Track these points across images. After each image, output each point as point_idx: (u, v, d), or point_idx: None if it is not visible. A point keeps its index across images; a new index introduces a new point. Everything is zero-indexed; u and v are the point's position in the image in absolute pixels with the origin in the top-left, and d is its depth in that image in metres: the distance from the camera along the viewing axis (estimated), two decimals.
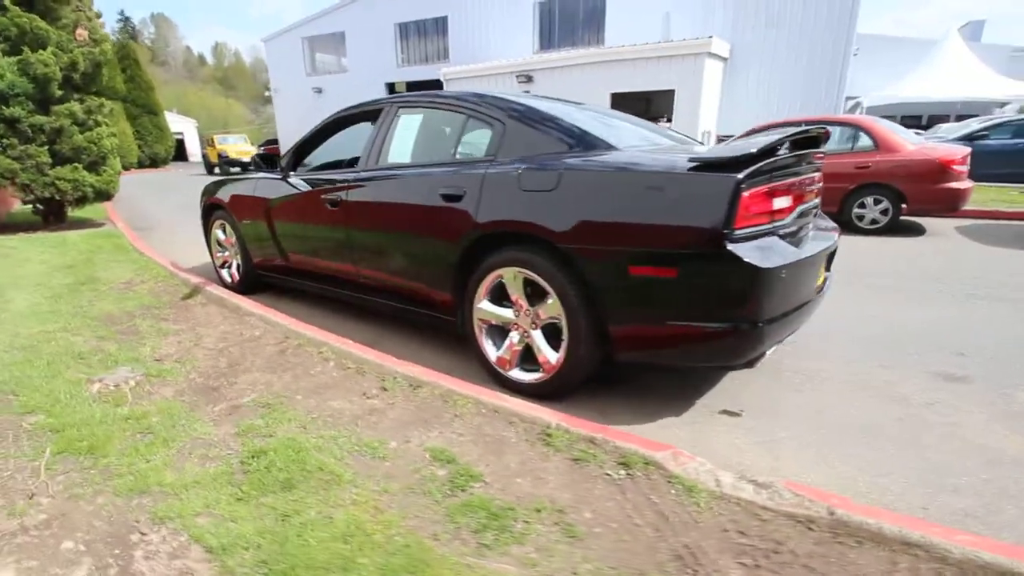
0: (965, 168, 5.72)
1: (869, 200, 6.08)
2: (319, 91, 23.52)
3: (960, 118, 18.56)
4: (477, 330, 2.53)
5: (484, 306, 2.47)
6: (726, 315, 1.88)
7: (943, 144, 6.78)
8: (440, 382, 2.32)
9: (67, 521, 1.54)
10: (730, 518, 1.53)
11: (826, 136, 2.35)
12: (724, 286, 1.85)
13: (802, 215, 2.21)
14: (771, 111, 14.24)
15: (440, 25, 20.19)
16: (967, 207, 6.25)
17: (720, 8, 15.44)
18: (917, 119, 21.78)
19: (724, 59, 14.60)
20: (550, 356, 2.28)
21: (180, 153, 33.99)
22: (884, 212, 6.05)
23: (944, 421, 2.17)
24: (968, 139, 9.72)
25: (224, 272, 4.34)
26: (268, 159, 3.52)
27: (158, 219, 8.76)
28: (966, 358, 2.75)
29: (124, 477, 1.75)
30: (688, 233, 1.84)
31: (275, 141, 25.43)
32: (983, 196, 7.95)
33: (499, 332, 2.52)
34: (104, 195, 7.21)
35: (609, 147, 2.23)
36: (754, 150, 1.80)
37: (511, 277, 2.32)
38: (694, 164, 1.87)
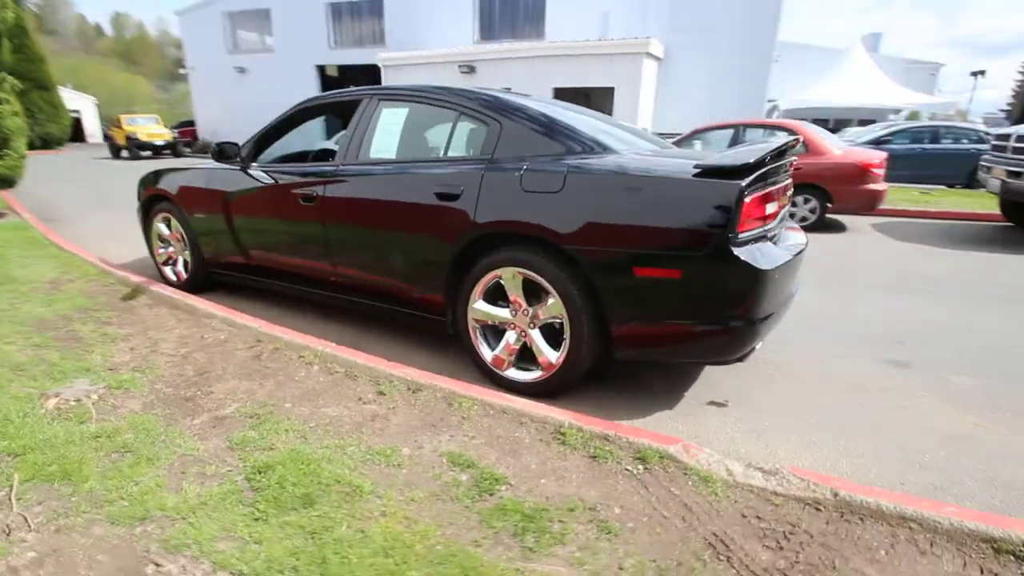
0: (883, 171, 6.34)
1: (800, 199, 6.60)
2: (242, 71, 22.03)
3: (862, 123, 20.49)
4: (471, 331, 2.51)
5: (479, 306, 2.46)
6: (726, 314, 1.99)
7: (863, 148, 7.47)
8: (440, 384, 2.29)
9: (63, 558, 1.38)
10: (746, 505, 1.64)
11: (795, 144, 2.54)
12: (726, 286, 1.96)
13: (781, 219, 2.38)
14: (701, 111, 14.99)
15: (375, 7, 19.49)
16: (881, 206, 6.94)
17: (655, 10, 16.01)
18: (825, 123, 23.79)
19: (659, 59, 15.19)
20: (550, 355, 2.31)
21: (77, 134, 30.65)
22: (812, 211, 6.59)
23: (898, 405, 2.43)
24: (875, 143, 10.76)
25: (168, 270, 4.00)
26: (224, 149, 3.26)
27: (63, 209, 7.87)
28: (905, 346, 3.08)
29: (116, 503, 1.59)
30: (695, 236, 1.93)
31: (191, 123, 23.61)
32: (891, 196, 8.85)
33: (493, 332, 2.52)
34: (7, 182, 6.39)
35: (605, 150, 2.28)
36: (752, 159, 1.92)
37: (510, 277, 2.33)
38: (699, 170, 1.96)
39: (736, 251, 1.89)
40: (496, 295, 2.44)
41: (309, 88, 21.17)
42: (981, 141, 10.23)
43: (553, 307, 2.24)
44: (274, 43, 21.51)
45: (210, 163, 3.64)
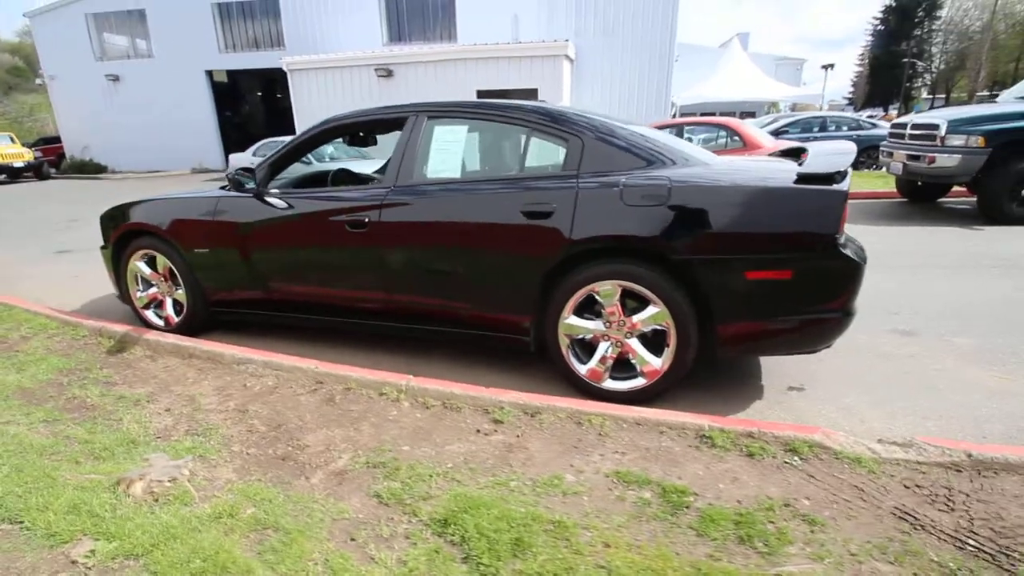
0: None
1: None
2: (115, 79, 19.61)
3: (743, 115, 22.71)
4: (563, 346, 2.51)
5: (571, 321, 2.46)
6: (828, 306, 2.18)
7: (788, 141, 8.31)
8: (557, 404, 2.26)
9: None
10: (902, 477, 1.82)
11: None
12: (833, 282, 2.14)
13: None
14: (613, 111, 15.81)
15: (270, 7, 18.24)
16: None
17: (563, 14, 16.56)
18: (713, 115, 26.11)
19: (572, 61, 15.74)
20: (654, 362, 2.37)
21: None
22: None
23: (933, 368, 2.79)
24: (775, 134, 12.00)
25: (151, 313, 3.52)
26: (242, 180, 2.93)
27: None
28: (899, 316, 3.52)
29: None
30: (807, 239, 2.09)
31: (56, 139, 20.65)
32: None
33: (582, 345, 2.53)
34: None
35: (685, 161, 2.38)
36: (844, 166, 2.12)
37: (608, 290, 2.35)
38: (801, 179, 2.12)
39: (843, 249, 2.08)
40: (583, 308, 2.46)
41: (198, 96, 19.37)
42: (860, 127, 11.82)
43: (657, 316, 2.30)
44: (153, 48, 19.34)
45: (210, 190, 3.27)
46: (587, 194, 2.30)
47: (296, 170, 3.32)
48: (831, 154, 2.17)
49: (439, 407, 2.37)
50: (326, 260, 2.87)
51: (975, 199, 6.71)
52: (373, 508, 1.75)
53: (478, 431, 2.19)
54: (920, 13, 54.35)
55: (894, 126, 7.29)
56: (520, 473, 1.90)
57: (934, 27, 54.62)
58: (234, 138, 19.67)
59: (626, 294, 2.34)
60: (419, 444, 2.12)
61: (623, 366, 2.47)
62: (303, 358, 2.83)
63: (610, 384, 2.47)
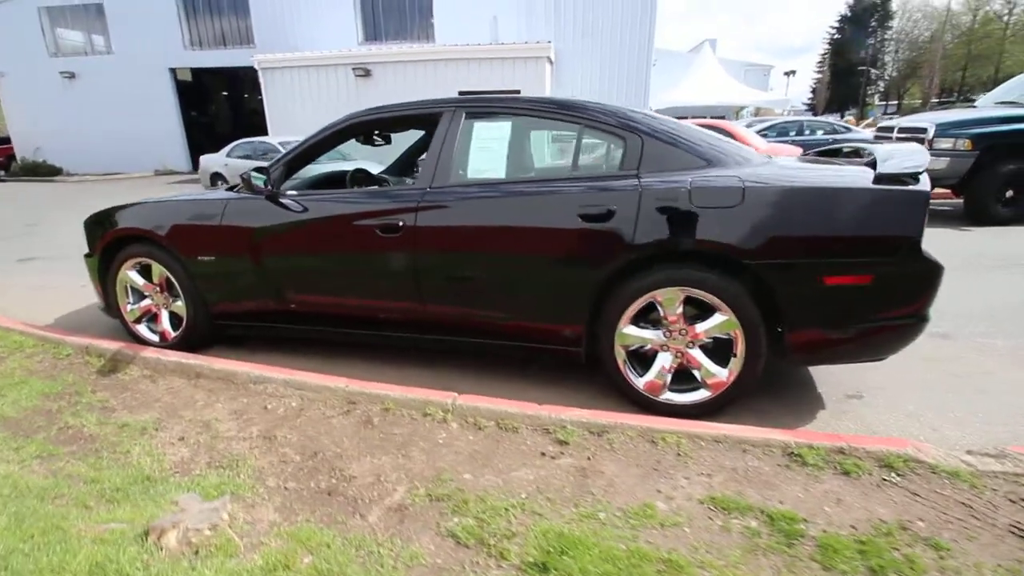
0: None
1: None
2: (71, 76, 18.57)
3: (714, 119, 23.17)
4: (619, 358, 2.34)
5: (629, 331, 2.30)
6: (906, 312, 2.08)
7: (781, 144, 8.40)
8: (624, 422, 2.09)
9: None
10: (1004, 491, 1.72)
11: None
12: (913, 286, 2.05)
13: None
14: None
15: (239, 3, 17.59)
16: None
17: (542, 16, 16.53)
18: (684, 120, 26.62)
19: (552, 63, 15.70)
20: (720, 374, 2.23)
21: None
22: None
23: (980, 371, 2.74)
24: None
25: (143, 328, 3.19)
26: (255, 182, 2.65)
27: None
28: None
29: None
30: (890, 242, 1.99)
31: (6, 140, 19.44)
32: None
33: (636, 357, 2.37)
34: None
35: (746, 161, 2.25)
36: (920, 168, 2.03)
37: (670, 297, 2.21)
38: (881, 179, 2.02)
39: (925, 253, 1.99)
40: (636, 317, 2.30)
41: (162, 94, 18.53)
42: (835, 131, 12.14)
43: (724, 324, 2.17)
44: (113, 44, 18.38)
45: (215, 192, 2.99)
46: (652, 195, 2.15)
47: (306, 171, 3.05)
48: (905, 155, 2.08)
49: (493, 428, 2.17)
50: (352, 267, 2.64)
51: (960, 201, 6.89)
52: (451, 550, 1.54)
53: (543, 454, 2.00)
54: (873, 23, 57.01)
55: (880, 129, 7.44)
56: (606, 502, 1.72)
57: (886, 37, 57.35)
58: (200, 139, 18.89)
59: (685, 301, 2.20)
60: (481, 471, 1.92)
61: (682, 378, 2.33)
62: (330, 375, 2.59)
63: (671, 397, 2.32)
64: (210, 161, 11.22)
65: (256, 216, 2.74)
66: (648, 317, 2.32)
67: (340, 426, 2.25)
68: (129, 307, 3.18)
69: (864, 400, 2.48)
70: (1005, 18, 46.58)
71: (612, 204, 2.18)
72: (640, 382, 2.34)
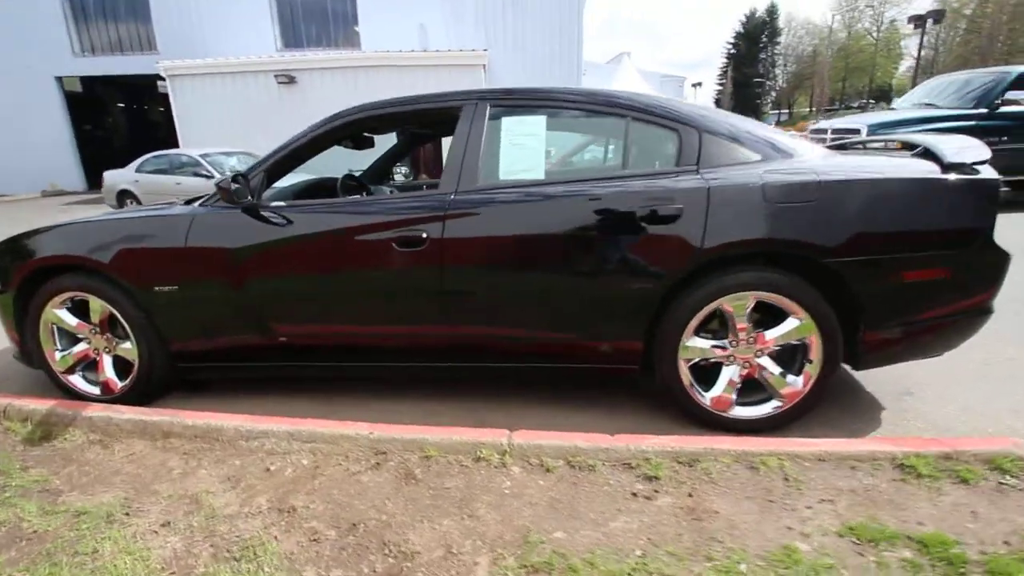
0: None
1: None
2: None
3: None
4: (683, 372, 2.11)
5: (693, 343, 2.08)
6: (975, 304, 2.02)
7: None
8: (714, 447, 1.85)
9: None
10: None
11: None
12: (984, 278, 1.98)
13: None
14: None
15: (137, 7, 15.99)
16: None
17: (471, 25, 16.39)
18: None
19: (485, 72, 15.57)
20: (795, 382, 2.06)
21: None
22: None
23: (1004, 357, 2.77)
24: None
25: (78, 378, 2.57)
26: (238, 190, 2.17)
27: None
28: None
29: None
30: (966, 233, 1.92)
31: None
32: None
33: (699, 370, 2.16)
34: None
35: (802, 152, 2.12)
36: (983, 158, 1.97)
37: (739, 303, 2.01)
38: (949, 169, 1.93)
39: (997, 243, 1.92)
40: (700, 327, 2.10)
41: (47, 106, 16.41)
42: None
43: (800, 329, 2.00)
44: None
45: (177, 207, 2.45)
46: (721, 193, 1.95)
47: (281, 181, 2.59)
48: (964, 146, 2.03)
49: (564, 468, 1.85)
50: (361, 288, 2.23)
51: None
52: None
53: (634, 495, 1.71)
54: (764, 39, 62.55)
55: (814, 131, 7.88)
56: (739, 550, 1.46)
57: (776, 51, 63.07)
58: (95, 155, 16.91)
59: (766, 307, 2.01)
60: (572, 525, 1.60)
61: (747, 390, 2.14)
62: (344, 421, 2.15)
63: (740, 412, 2.12)
64: (117, 177, 9.93)
65: (234, 233, 2.26)
66: (707, 326, 2.12)
67: (374, 485, 1.83)
68: (59, 354, 2.53)
69: (917, 396, 2.41)
70: (875, 34, 52.55)
71: (678, 204, 1.95)
72: (706, 398, 2.12)
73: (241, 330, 2.36)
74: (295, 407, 2.50)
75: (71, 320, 2.49)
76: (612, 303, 2.08)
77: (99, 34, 16.26)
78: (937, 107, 7.26)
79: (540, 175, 2.13)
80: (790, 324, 2.01)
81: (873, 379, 2.58)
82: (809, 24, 61.33)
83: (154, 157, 9.82)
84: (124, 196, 9.79)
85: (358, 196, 2.69)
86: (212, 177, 8.98)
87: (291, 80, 13.50)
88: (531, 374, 2.31)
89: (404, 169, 4.11)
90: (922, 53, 27.76)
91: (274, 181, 2.41)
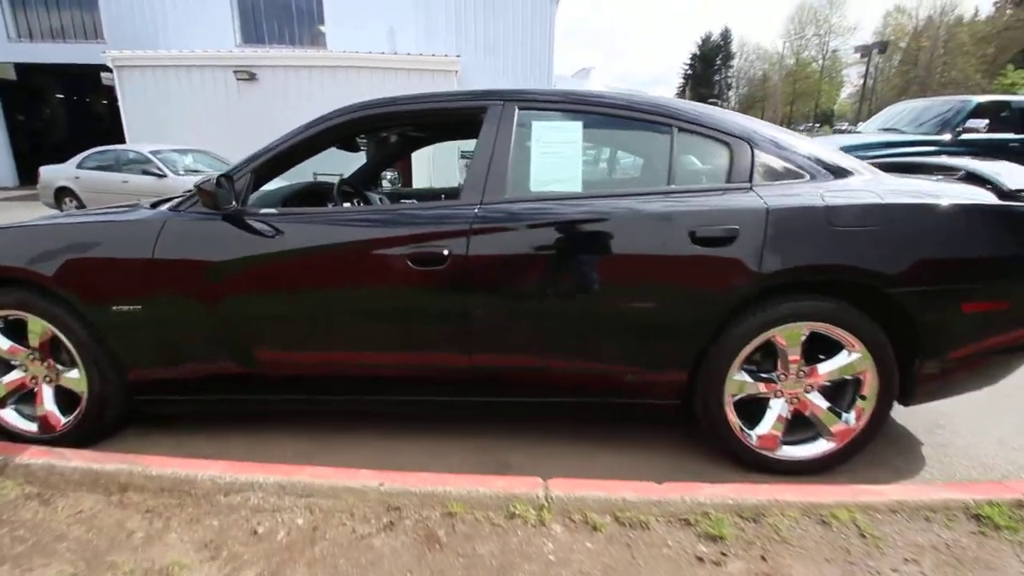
0: None
1: None
2: None
3: None
4: (728, 409, 1.92)
5: (740, 377, 1.90)
6: None
7: None
8: (777, 498, 1.65)
9: None
10: None
11: None
12: None
13: None
14: None
15: None
16: None
17: (442, 30, 16.15)
18: None
19: (457, 77, 15.34)
20: (848, 419, 1.91)
21: None
22: None
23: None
24: None
25: (10, 414, 2.14)
26: (219, 195, 1.83)
27: None
28: None
29: None
30: None
31: None
32: None
33: (742, 407, 1.97)
34: None
35: (855, 171, 1.97)
36: None
37: (792, 334, 1.84)
38: (1009, 196, 1.83)
39: None
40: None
41: None
42: None
43: (855, 363, 1.85)
44: None
45: (141, 210, 2.08)
46: (781, 214, 1.77)
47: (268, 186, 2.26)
48: (1014, 172, 1.94)
49: (612, 526, 1.61)
50: (367, 311, 1.93)
51: None
52: None
53: (700, 559, 1.49)
54: (718, 61, 65.33)
55: None
56: None
57: (729, 74, 66.00)
58: (30, 148, 15.60)
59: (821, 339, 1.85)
60: None
61: (790, 428, 1.97)
62: (347, 470, 1.83)
63: (790, 452, 1.95)
64: (54, 173, 9.06)
65: (215, 244, 1.91)
66: (749, 359, 1.94)
67: (390, 551, 1.54)
68: None
69: (948, 429, 2.31)
70: (820, 61, 55.68)
71: (734, 224, 1.76)
72: (752, 436, 1.93)
73: (216, 357, 2.01)
74: (275, 446, 2.17)
75: (2, 343, 2.07)
76: (656, 331, 1.87)
77: (37, 20, 15.04)
78: (902, 132, 7.54)
79: (576, 187, 1.90)
80: (845, 358, 1.85)
81: (896, 410, 2.47)
82: (760, 49, 64.42)
83: (98, 152, 9.03)
84: (63, 194, 8.94)
85: (352, 205, 2.39)
86: (164, 176, 8.32)
87: (252, 77, 12.82)
88: (558, 409, 2.06)
89: (391, 175, 3.78)
90: (863, 81, 29.57)
91: (262, 184, 2.09)
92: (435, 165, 11.74)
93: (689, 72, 67.06)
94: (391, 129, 2.39)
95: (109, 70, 12.58)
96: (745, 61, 66.13)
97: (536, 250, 1.83)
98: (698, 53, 66.48)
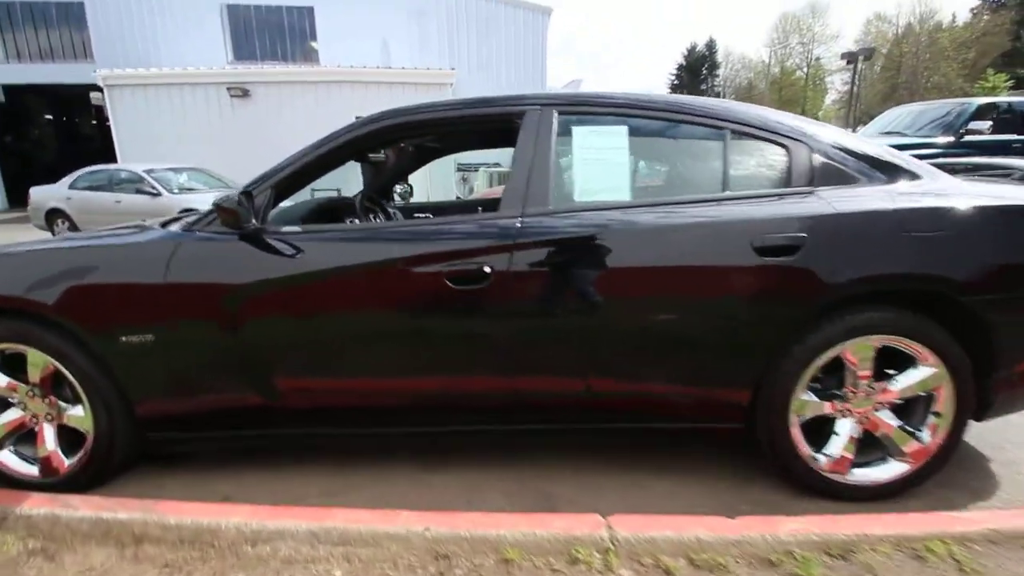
0: None
1: None
2: None
3: None
4: (794, 431, 1.78)
5: (806, 397, 1.76)
6: None
7: None
8: (865, 531, 1.51)
9: None
10: None
11: None
12: None
13: None
14: None
15: (71, 13, 14.81)
16: None
17: (435, 44, 16.19)
18: None
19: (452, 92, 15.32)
20: (923, 438, 1.77)
21: None
22: None
23: None
24: None
25: (9, 457, 1.96)
26: (240, 212, 1.69)
27: None
28: None
29: None
30: None
31: None
32: None
33: (807, 428, 1.83)
34: None
35: (918, 173, 1.85)
36: None
37: (862, 349, 1.71)
38: None
39: None
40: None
41: None
42: None
43: (931, 377, 1.71)
44: None
45: (150, 230, 1.92)
46: (849, 219, 1.65)
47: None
48: None
49: (686, 569, 1.45)
50: (401, 334, 1.78)
51: None
52: None
53: None
54: (704, 71, 66.22)
55: None
56: None
57: (715, 83, 66.88)
58: (19, 170, 15.37)
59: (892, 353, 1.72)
60: None
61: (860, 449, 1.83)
62: (387, 512, 1.66)
63: (862, 475, 1.80)
64: (45, 194, 8.86)
65: (234, 265, 1.76)
66: (815, 376, 1.80)
67: None
68: None
69: (1015, 444, 2.18)
70: (805, 69, 56.53)
71: (800, 232, 1.64)
72: (821, 460, 1.79)
73: (236, 389, 1.84)
74: (298, 482, 2.00)
75: (0, 379, 1.89)
76: (717, 349, 1.73)
77: (26, 40, 14.90)
78: (903, 135, 7.51)
79: (625, 196, 1.77)
80: (920, 372, 1.72)
81: None
82: (745, 59, 65.33)
83: (90, 173, 8.84)
84: (54, 216, 8.73)
85: (375, 220, 2.25)
86: (158, 195, 8.14)
87: (245, 94, 12.73)
88: (609, 436, 1.91)
89: (401, 188, 3.65)
90: (848, 87, 29.93)
91: (282, 200, 1.94)
92: (432, 179, 11.64)
93: (676, 82, 67.91)
94: (419, 138, 2.26)
95: (99, 89, 12.44)
96: (731, 70, 67.01)
97: (586, 265, 1.70)
98: (684, 63, 67.34)
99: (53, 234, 8.61)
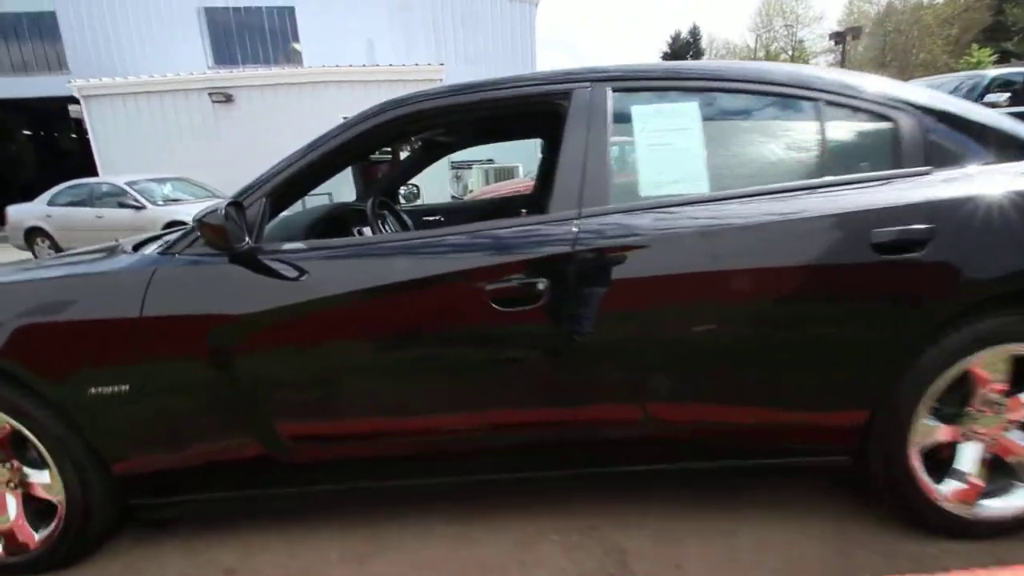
0: None
1: None
2: None
3: None
4: (914, 461, 1.48)
5: (928, 420, 1.46)
6: None
7: None
8: None
9: None
10: None
11: None
12: None
13: None
14: None
15: (44, 25, 14.30)
16: None
17: (421, 41, 15.81)
18: None
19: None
20: None
21: None
22: None
23: None
24: None
25: None
26: (231, 230, 1.35)
27: None
28: None
29: None
30: None
31: None
32: None
33: (925, 456, 1.53)
34: None
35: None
36: None
37: (996, 360, 1.41)
38: None
39: None
40: None
41: None
42: None
43: None
44: None
45: (120, 256, 1.59)
46: (984, 203, 1.34)
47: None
48: None
49: None
50: (440, 368, 1.46)
51: None
52: None
53: None
54: (689, 58, 66.12)
55: None
56: None
57: None
58: None
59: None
60: None
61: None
62: None
63: (993, 507, 1.50)
64: (23, 213, 8.42)
65: (224, 293, 1.43)
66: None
67: None
68: None
69: None
70: (790, 52, 56.48)
71: (926, 223, 1.33)
72: (948, 490, 1.49)
73: (230, 441, 1.52)
74: (313, 544, 1.68)
75: None
76: (824, 368, 1.42)
77: None
78: None
79: (702, 187, 1.45)
80: None
81: None
82: (730, 44, 65.19)
83: (69, 188, 8.41)
84: (34, 235, 8.30)
85: (390, 230, 1.93)
86: (142, 207, 7.75)
87: (228, 99, 12.26)
88: (688, 477, 1.61)
89: (405, 190, 3.32)
90: (836, 66, 29.78)
91: (280, 210, 1.61)
92: (422, 178, 11.16)
93: None
94: (442, 127, 1.93)
95: (76, 101, 11.96)
96: (716, 57, 66.87)
97: (664, 275, 1.38)
98: (669, 52, 67.13)
99: (34, 255, 8.20)
